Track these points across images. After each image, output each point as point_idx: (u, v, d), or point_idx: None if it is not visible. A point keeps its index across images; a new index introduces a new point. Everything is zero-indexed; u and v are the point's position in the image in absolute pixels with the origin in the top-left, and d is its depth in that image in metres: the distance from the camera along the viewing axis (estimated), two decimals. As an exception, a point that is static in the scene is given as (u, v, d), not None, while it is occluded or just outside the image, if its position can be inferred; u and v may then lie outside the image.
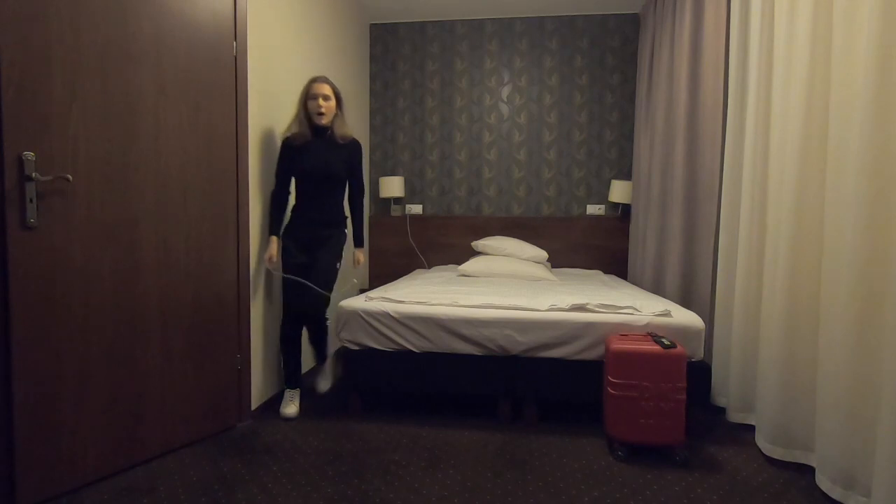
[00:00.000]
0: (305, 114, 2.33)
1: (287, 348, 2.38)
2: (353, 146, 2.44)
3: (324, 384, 2.55)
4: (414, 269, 3.96)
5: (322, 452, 1.95)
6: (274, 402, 2.46)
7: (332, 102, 2.33)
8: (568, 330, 2.13)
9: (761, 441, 1.96)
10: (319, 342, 2.56)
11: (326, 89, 2.31)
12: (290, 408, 2.30)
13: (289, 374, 2.39)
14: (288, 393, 2.38)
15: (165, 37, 1.82)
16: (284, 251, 2.36)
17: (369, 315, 2.25)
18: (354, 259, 2.60)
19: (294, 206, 2.43)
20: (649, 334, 2.02)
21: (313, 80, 2.33)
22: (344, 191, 2.49)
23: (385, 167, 4.08)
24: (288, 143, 2.34)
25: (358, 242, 2.60)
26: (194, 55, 1.92)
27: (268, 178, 2.41)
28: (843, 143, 1.59)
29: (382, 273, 4.06)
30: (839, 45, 1.61)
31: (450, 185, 4.02)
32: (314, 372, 2.66)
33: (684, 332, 2.07)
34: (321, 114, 2.30)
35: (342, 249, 2.45)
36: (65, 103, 1.55)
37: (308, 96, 2.31)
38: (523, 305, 2.22)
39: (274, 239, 2.34)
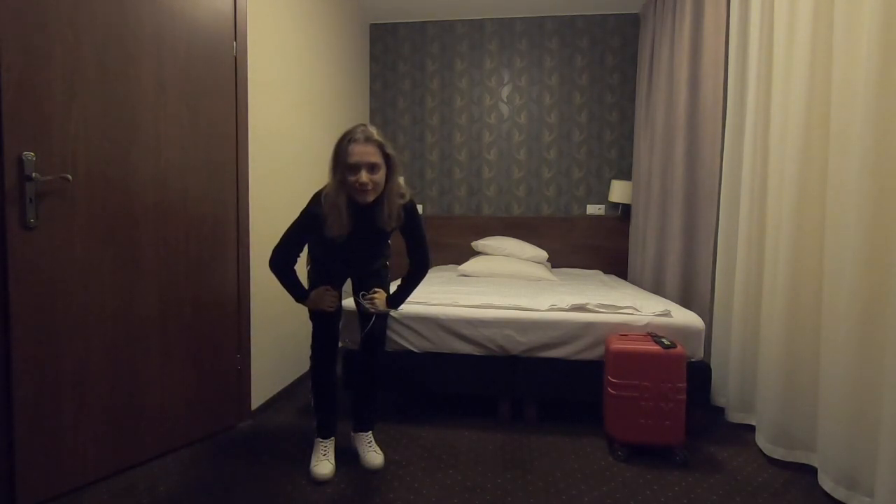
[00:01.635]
0: (342, 185, 1.61)
1: (322, 390, 1.88)
2: (408, 215, 1.75)
3: (375, 457, 1.85)
4: (414, 269, 3.95)
5: (322, 452, 1.94)
6: (274, 402, 2.46)
7: (382, 172, 1.62)
8: (568, 330, 2.13)
9: (762, 441, 1.96)
10: (369, 396, 1.96)
11: (371, 154, 1.58)
12: (325, 466, 1.76)
13: (321, 418, 1.87)
14: (320, 445, 1.84)
15: (166, 36, 1.82)
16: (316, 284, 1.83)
17: (369, 315, 2.24)
18: (372, 297, 1.83)
19: (311, 268, 1.90)
20: (649, 334, 2.01)
21: (351, 140, 1.59)
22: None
23: (385, 167, 4.06)
24: (319, 218, 1.65)
25: (396, 302, 1.86)
26: (194, 55, 1.92)
27: (267, 179, 2.41)
28: (845, 141, 1.59)
29: (382, 273, 4.06)
30: (840, 43, 1.61)
31: (450, 185, 4.01)
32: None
33: (684, 332, 2.06)
34: (365, 191, 1.60)
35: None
36: (65, 103, 1.55)
37: (345, 167, 1.59)
38: (523, 305, 2.22)
39: (313, 294, 1.79)
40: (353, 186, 1.59)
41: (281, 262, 1.75)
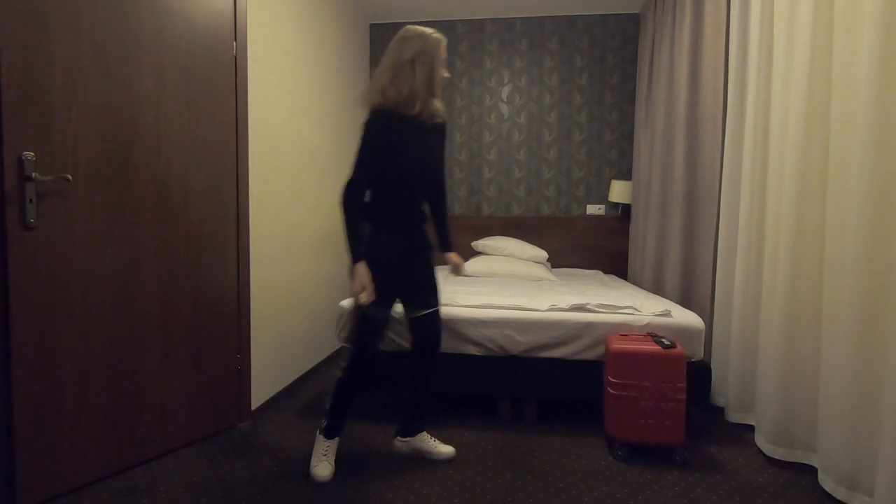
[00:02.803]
0: (433, 79, 1.68)
1: (352, 394, 1.81)
2: (444, 125, 1.85)
3: (448, 448, 1.92)
4: (414, 269, 3.95)
5: (322, 452, 1.94)
6: (274, 402, 2.46)
7: None
8: (568, 330, 2.13)
9: (761, 441, 1.96)
10: (426, 391, 1.94)
11: None
12: (325, 468, 1.75)
13: (337, 420, 1.82)
14: (323, 445, 1.80)
15: (166, 36, 1.82)
16: (380, 273, 1.69)
17: (369, 315, 2.24)
18: (454, 265, 2.01)
19: (381, 213, 1.74)
20: (649, 334, 2.01)
21: (440, 40, 1.69)
22: None
23: (385, 167, 4.07)
24: (395, 120, 1.67)
25: (449, 245, 2.00)
26: (194, 55, 1.92)
27: (268, 178, 2.41)
28: (845, 141, 1.59)
29: (382, 273, 4.06)
30: (840, 43, 1.61)
31: (450, 185, 4.01)
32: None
33: (684, 332, 2.06)
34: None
35: None
36: (65, 103, 1.55)
37: (437, 60, 1.68)
38: (523, 305, 2.22)
39: (363, 266, 1.65)
40: (440, 81, 1.70)
41: (356, 193, 1.67)
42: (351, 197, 1.66)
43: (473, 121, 3.96)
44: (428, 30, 1.68)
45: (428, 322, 1.85)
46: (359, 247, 1.66)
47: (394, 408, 2.37)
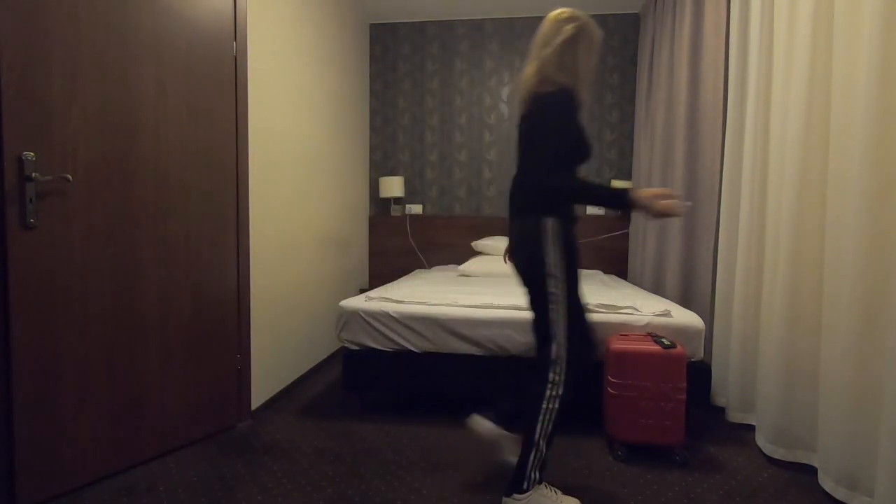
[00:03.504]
0: (587, 63, 1.57)
1: (559, 419, 1.50)
2: None
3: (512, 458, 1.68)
4: (414, 269, 3.96)
5: (322, 452, 1.95)
6: (274, 402, 2.46)
7: None
8: (568, 330, 2.12)
9: (762, 441, 1.96)
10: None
11: None
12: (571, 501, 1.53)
13: (547, 456, 1.53)
14: (551, 492, 1.53)
15: (166, 36, 1.82)
16: (572, 273, 1.53)
17: (369, 315, 2.24)
18: None
19: (561, 204, 1.54)
20: (649, 334, 2.01)
21: (593, 20, 1.58)
22: None
23: (385, 167, 4.08)
24: (575, 100, 1.50)
25: None
26: (194, 55, 1.92)
27: (268, 178, 2.41)
28: (845, 141, 1.59)
29: (382, 273, 4.07)
30: (840, 43, 1.60)
31: (450, 185, 4.01)
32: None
33: (684, 331, 2.06)
34: None
35: None
36: (65, 103, 1.55)
37: (594, 43, 1.58)
38: (523, 305, 2.22)
39: (635, 192, 1.45)
40: (594, 66, 1.61)
41: (574, 177, 1.48)
42: (569, 180, 1.46)
43: (473, 121, 3.96)
44: (579, 11, 1.57)
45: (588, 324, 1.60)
46: (610, 190, 1.50)
47: (397, 408, 2.37)
